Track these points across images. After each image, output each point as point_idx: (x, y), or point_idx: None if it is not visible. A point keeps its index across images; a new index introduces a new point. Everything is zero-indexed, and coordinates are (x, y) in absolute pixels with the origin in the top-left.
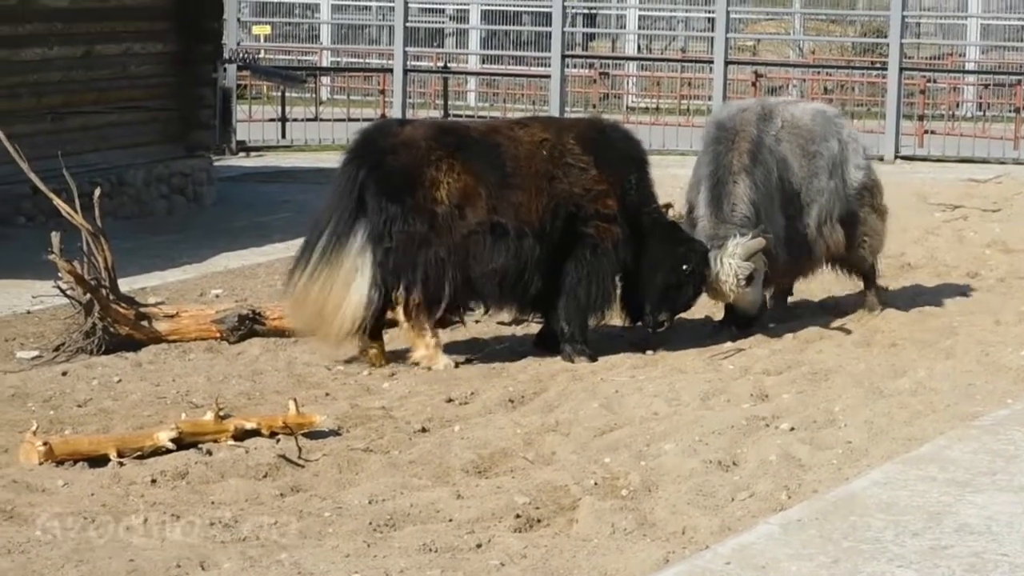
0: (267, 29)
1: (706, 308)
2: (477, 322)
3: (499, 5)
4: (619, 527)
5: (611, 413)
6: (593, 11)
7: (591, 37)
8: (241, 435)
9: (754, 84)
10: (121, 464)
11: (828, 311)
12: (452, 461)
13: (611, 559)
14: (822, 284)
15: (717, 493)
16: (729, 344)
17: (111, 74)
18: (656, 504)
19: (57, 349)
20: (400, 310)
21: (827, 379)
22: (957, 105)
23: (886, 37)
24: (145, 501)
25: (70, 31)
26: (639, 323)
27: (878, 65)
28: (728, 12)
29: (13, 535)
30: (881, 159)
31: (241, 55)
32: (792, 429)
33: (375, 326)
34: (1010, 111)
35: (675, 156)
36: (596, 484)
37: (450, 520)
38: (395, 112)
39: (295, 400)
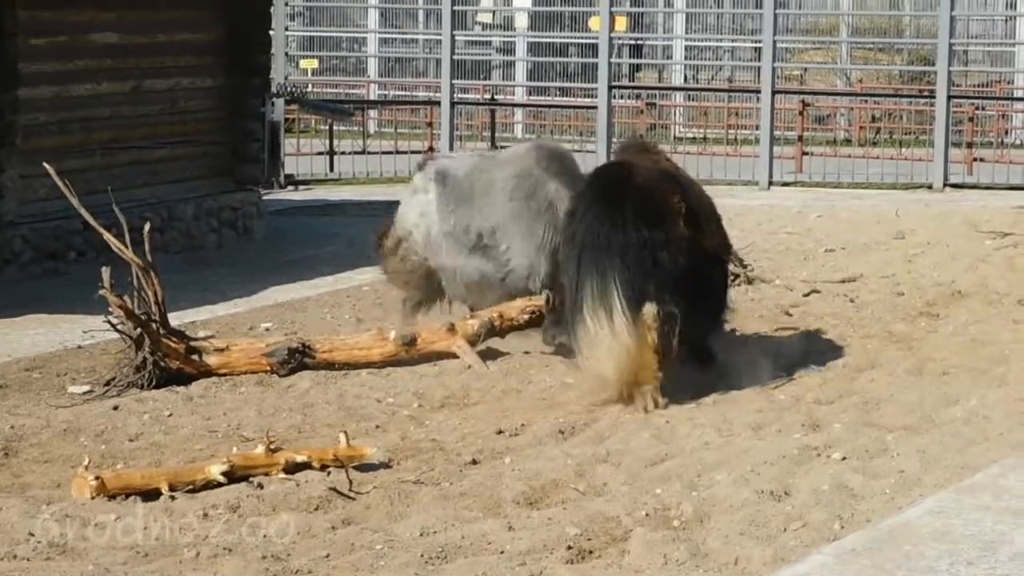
0: (315, 63)
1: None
2: (527, 353)
3: (546, 37)
4: (671, 558)
5: (662, 443)
6: (639, 42)
7: (637, 68)
8: (292, 468)
9: (801, 113)
10: (173, 498)
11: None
12: (503, 493)
13: None
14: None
15: (770, 523)
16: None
17: (160, 109)
18: (708, 535)
19: (108, 384)
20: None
21: (879, 408)
22: (1006, 132)
23: (934, 65)
24: (197, 535)
25: (119, 67)
26: None
27: (926, 93)
28: (775, 41)
29: (67, 569)
30: (930, 187)
31: (289, 89)
32: (844, 458)
33: None
34: None
35: (723, 186)
36: (648, 515)
37: (502, 552)
38: (443, 145)
39: (346, 433)
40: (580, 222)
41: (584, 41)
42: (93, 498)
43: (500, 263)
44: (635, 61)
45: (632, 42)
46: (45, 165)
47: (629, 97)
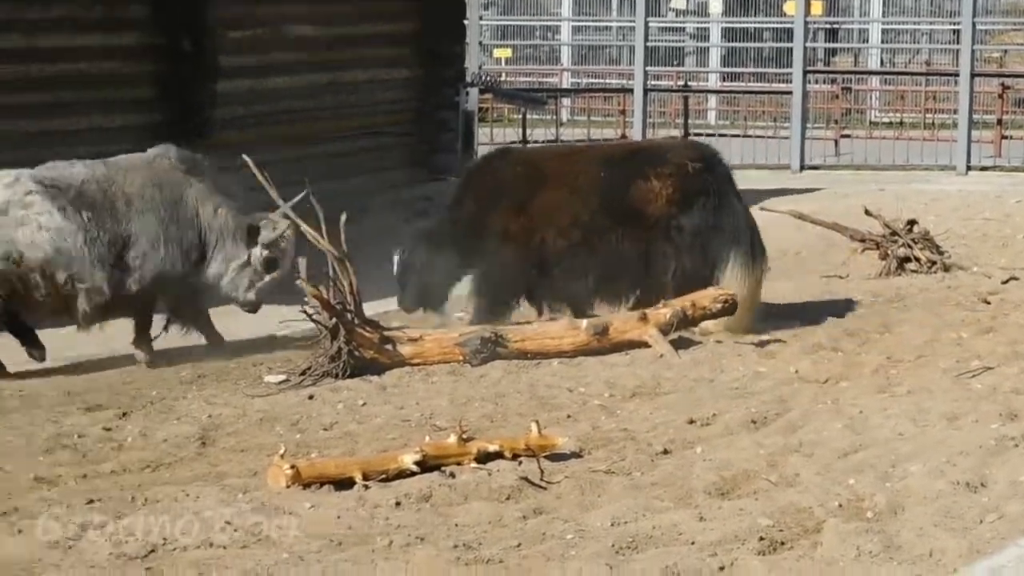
0: (508, 52)
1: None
2: (719, 342)
3: (740, 22)
4: (864, 550)
5: (855, 434)
6: (835, 26)
7: (833, 52)
8: (484, 457)
9: (1001, 96)
10: (366, 487)
11: None
12: (694, 483)
13: None
14: None
15: (965, 515)
16: (976, 362)
17: (356, 100)
18: (902, 526)
19: (304, 373)
20: None
21: None
22: None
23: None
24: (390, 524)
25: (316, 59)
26: None
27: None
28: (974, 23)
29: (262, 557)
30: None
31: (483, 78)
32: None
33: None
34: None
35: (919, 171)
36: (840, 506)
37: (692, 543)
38: (636, 133)
39: (537, 422)
40: (718, 200)
41: (779, 26)
42: (288, 487)
43: (137, 273)
44: (831, 45)
45: (828, 26)
46: (244, 157)
47: (824, 82)
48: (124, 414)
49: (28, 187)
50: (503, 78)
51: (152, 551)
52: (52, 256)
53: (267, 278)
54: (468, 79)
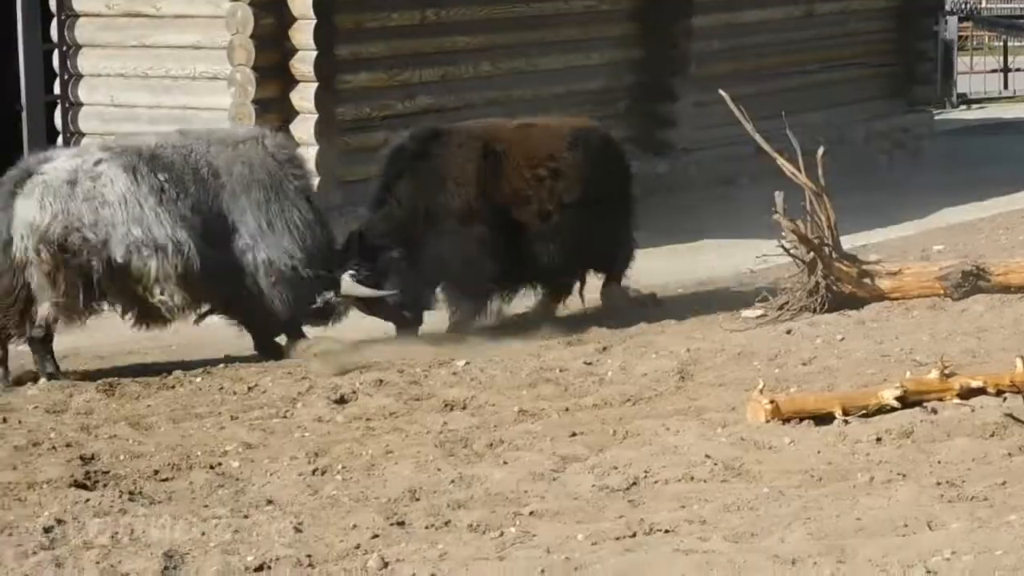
0: None
1: None
2: None
3: None
4: None
5: None
6: None
7: None
8: (967, 393)
9: None
10: (846, 422)
11: None
12: None
13: None
14: None
15: None
16: None
17: (831, 32)
18: None
19: (781, 308)
20: None
21: None
22: None
23: None
24: (871, 460)
25: None
26: None
27: None
28: None
29: (742, 492)
30: None
31: (963, 5)
32: None
33: None
34: None
35: None
36: None
37: None
38: None
39: (1022, 358)
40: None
41: None
42: (767, 421)
43: (238, 258)
44: None
45: None
46: (720, 92)
47: None
48: (604, 348)
49: (97, 156)
50: (983, 5)
51: (633, 484)
52: (122, 231)
53: (302, 323)
54: (947, 7)
